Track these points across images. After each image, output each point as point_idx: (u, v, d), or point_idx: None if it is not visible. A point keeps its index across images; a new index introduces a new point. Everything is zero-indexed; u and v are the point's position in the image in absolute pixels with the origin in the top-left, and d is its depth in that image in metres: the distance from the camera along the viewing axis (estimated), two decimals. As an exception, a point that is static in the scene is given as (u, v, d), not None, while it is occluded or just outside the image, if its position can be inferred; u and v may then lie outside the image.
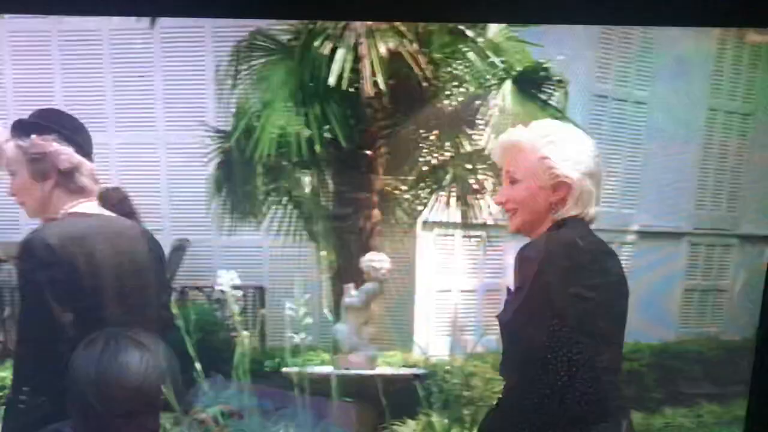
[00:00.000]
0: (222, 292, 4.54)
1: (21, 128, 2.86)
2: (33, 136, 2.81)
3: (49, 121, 2.87)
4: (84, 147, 2.96)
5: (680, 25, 3.88)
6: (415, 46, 5.03)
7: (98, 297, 2.76)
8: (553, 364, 2.34)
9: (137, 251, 2.95)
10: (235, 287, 4.47)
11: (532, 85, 5.24)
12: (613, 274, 2.53)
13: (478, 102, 5.26)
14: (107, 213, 2.98)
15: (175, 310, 4.61)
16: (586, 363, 2.37)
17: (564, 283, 2.37)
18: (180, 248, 6.97)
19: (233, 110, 5.49)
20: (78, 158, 2.89)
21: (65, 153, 2.85)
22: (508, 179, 2.46)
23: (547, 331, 2.33)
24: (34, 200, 2.83)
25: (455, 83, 5.36)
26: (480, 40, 5.21)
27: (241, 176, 5.49)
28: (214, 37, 6.55)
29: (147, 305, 2.98)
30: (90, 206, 2.93)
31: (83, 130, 2.99)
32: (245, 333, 4.57)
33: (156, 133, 7.06)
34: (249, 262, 7.15)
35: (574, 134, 2.54)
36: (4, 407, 2.79)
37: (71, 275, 2.74)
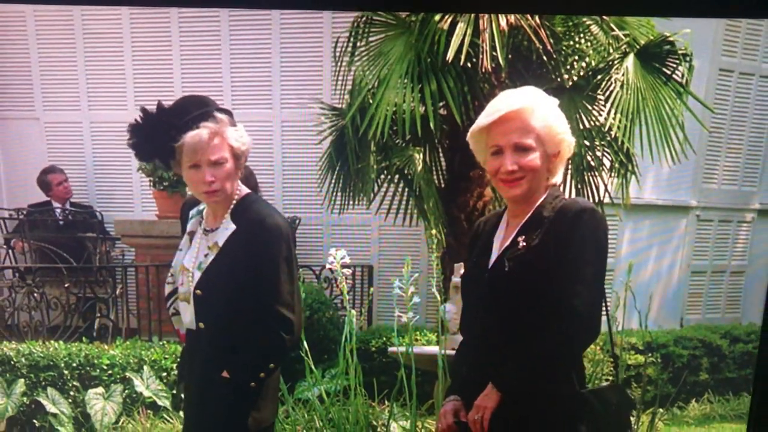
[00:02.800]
0: (331, 270, 4.50)
1: (231, 117, 2.85)
2: (239, 127, 2.83)
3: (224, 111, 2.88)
4: None
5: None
6: (537, 19, 4.91)
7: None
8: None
9: None
10: (344, 266, 4.43)
11: (656, 58, 5.07)
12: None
13: (599, 76, 5.11)
14: None
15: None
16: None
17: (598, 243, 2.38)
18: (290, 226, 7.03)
19: (349, 87, 5.45)
20: None
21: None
22: (516, 147, 2.37)
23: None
24: (230, 187, 2.82)
25: (576, 57, 5.24)
26: (604, 12, 5.08)
27: (355, 154, 5.45)
28: (333, 13, 6.55)
29: None
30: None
31: None
32: (353, 312, 4.54)
33: (271, 110, 7.12)
34: (358, 240, 7.17)
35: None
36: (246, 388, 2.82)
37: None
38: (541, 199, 2.43)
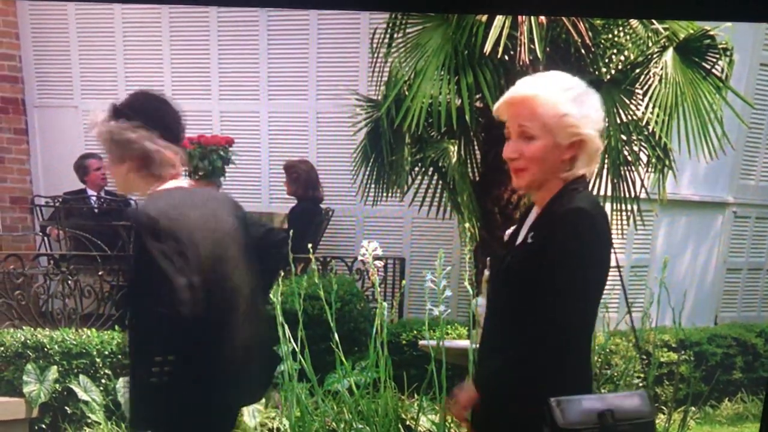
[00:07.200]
0: (363, 262, 4.51)
1: (115, 113, 2.86)
2: (118, 122, 2.84)
3: (133, 109, 2.87)
4: (171, 132, 2.93)
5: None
6: (576, 11, 4.88)
7: (199, 260, 2.72)
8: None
9: (225, 217, 2.92)
10: (376, 258, 4.42)
11: (696, 53, 5.00)
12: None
13: (637, 70, 5.06)
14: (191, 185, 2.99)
15: (316, 279, 4.67)
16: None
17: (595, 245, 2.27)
18: (324, 217, 7.03)
19: (385, 79, 5.43)
20: (153, 148, 2.84)
21: (140, 143, 2.86)
22: (521, 134, 2.30)
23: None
24: (117, 179, 2.97)
25: (615, 50, 5.19)
26: (644, 5, 5.02)
27: (389, 146, 5.43)
28: (370, 4, 6.56)
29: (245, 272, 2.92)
30: (175, 183, 2.90)
31: (170, 116, 2.96)
32: (384, 304, 4.53)
33: (307, 101, 7.12)
34: (391, 233, 7.17)
35: (587, 89, 2.35)
36: (130, 391, 2.85)
37: (175, 241, 2.70)
38: (556, 192, 2.31)
